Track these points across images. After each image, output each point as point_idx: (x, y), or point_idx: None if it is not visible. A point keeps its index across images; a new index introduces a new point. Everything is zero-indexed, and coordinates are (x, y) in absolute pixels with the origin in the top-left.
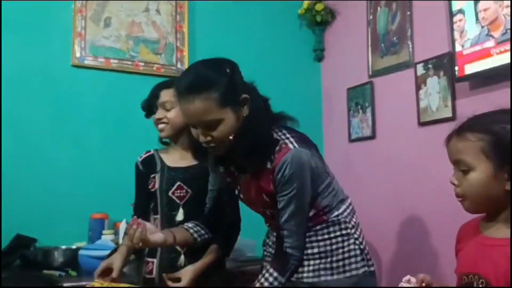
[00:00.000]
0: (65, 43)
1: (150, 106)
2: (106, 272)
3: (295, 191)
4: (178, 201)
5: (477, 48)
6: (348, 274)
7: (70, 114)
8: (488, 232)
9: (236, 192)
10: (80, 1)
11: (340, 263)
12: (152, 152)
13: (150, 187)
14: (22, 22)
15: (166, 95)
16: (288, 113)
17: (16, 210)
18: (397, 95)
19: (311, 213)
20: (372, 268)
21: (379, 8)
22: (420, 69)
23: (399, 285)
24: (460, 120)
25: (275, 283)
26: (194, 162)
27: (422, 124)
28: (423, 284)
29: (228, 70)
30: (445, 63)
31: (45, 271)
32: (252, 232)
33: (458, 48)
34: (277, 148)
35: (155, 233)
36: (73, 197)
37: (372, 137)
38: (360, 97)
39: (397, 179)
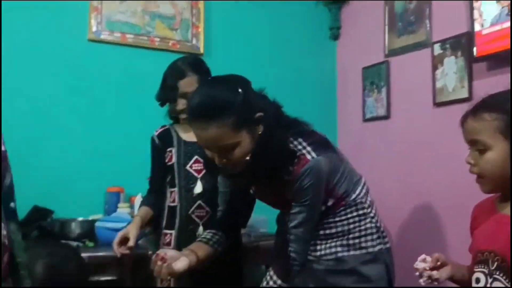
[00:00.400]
0: (81, 18)
1: (168, 98)
2: (123, 242)
3: (309, 201)
4: (196, 174)
5: (496, 28)
6: (364, 251)
7: (86, 88)
8: (505, 210)
9: (251, 191)
10: None
11: (357, 241)
12: (167, 126)
13: (166, 161)
14: None
15: (186, 85)
16: (303, 92)
17: (33, 182)
18: (413, 75)
19: (330, 203)
20: (388, 245)
21: None
22: (437, 49)
23: (415, 265)
24: (476, 100)
25: (274, 286)
26: None
27: (437, 104)
28: (438, 263)
29: (240, 90)
30: (463, 43)
31: (62, 242)
32: (265, 209)
33: (477, 27)
34: (296, 160)
35: (179, 260)
36: (89, 170)
37: (387, 117)
38: (376, 77)
39: (411, 160)
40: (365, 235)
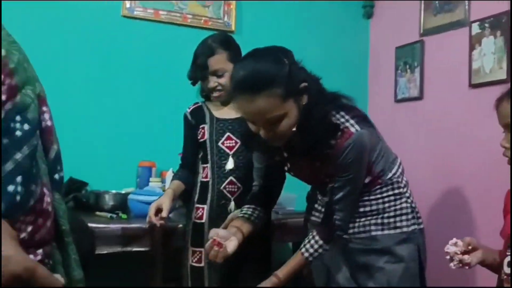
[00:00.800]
0: None
1: (199, 77)
2: (157, 212)
3: (353, 175)
4: (228, 151)
5: None
6: (398, 230)
7: (120, 64)
8: None
9: (286, 168)
10: None
11: (391, 220)
12: (200, 103)
13: (199, 137)
14: None
15: (216, 63)
16: (334, 71)
17: (69, 155)
18: (448, 55)
19: (367, 180)
20: (421, 226)
21: None
22: (475, 28)
23: (446, 248)
24: None
25: (320, 250)
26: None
27: (473, 86)
28: (470, 247)
29: (286, 60)
30: (503, 23)
31: (97, 213)
32: (293, 187)
33: None
34: (339, 133)
35: (230, 241)
36: (122, 145)
37: (419, 97)
38: (409, 56)
39: (443, 142)
40: (400, 215)
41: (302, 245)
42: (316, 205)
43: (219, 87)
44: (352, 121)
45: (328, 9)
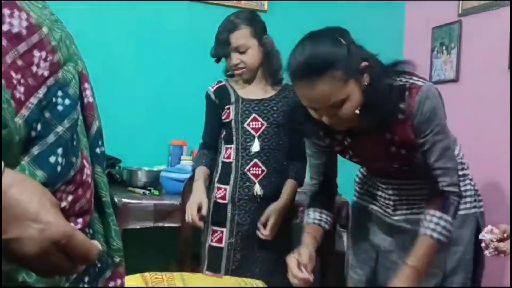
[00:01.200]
0: None
1: (221, 53)
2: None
3: (439, 126)
4: (253, 132)
5: None
6: (462, 212)
7: (153, 43)
8: None
9: (347, 157)
10: None
11: None
12: (223, 82)
13: (223, 118)
14: None
15: (238, 39)
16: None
17: (104, 132)
18: (487, 36)
19: None
20: (482, 209)
21: None
22: None
23: (481, 236)
24: None
25: (442, 223)
26: (268, 95)
27: None
28: (505, 235)
29: (343, 41)
30: None
31: (130, 189)
32: None
33: None
34: (406, 93)
35: (310, 257)
36: (154, 123)
37: (456, 80)
38: (446, 37)
39: (480, 127)
40: (464, 197)
41: (422, 229)
42: (373, 190)
43: (241, 64)
44: (415, 78)
45: None
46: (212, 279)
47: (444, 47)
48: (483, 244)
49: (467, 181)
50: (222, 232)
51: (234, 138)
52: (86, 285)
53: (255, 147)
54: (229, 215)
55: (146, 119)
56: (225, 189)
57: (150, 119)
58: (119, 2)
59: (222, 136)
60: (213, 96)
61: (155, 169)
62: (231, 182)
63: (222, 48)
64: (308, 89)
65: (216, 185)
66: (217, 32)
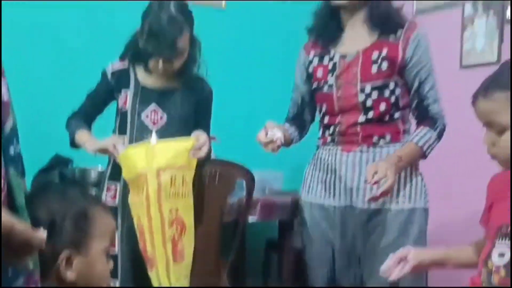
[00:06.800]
0: None
1: (166, 55)
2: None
3: (431, 64)
4: (151, 125)
5: None
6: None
7: (106, 30)
8: None
9: (329, 84)
10: None
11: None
12: (126, 64)
13: (119, 105)
14: None
15: (181, 43)
16: None
17: (54, 132)
18: (439, 35)
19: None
20: (427, 205)
21: None
22: (468, 9)
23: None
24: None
25: (428, 135)
26: (172, 85)
27: (464, 67)
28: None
29: None
30: (495, 2)
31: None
32: (281, 165)
33: None
34: (406, 24)
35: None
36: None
37: None
38: None
39: None
40: (415, 192)
41: (411, 138)
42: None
43: (171, 68)
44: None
45: None
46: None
47: None
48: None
49: (419, 177)
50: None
51: (128, 129)
52: None
53: (153, 141)
54: (119, 221)
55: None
56: (116, 187)
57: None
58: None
59: (116, 125)
60: (109, 76)
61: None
62: (122, 179)
63: (169, 51)
64: None
65: (107, 182)
66: (155, 25)
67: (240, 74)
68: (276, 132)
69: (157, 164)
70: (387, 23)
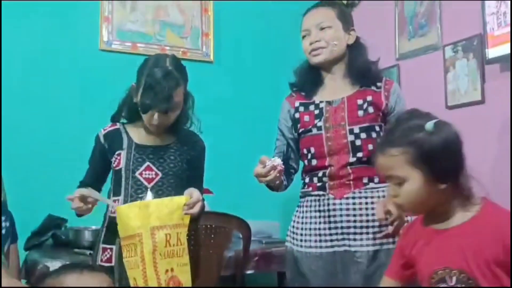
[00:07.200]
0: (92, 28)
1: (163, 109)
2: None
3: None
4: (145, 183)
5: (508, 29)
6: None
7: (98, 97)
8: (438, 225)
9: (317, 126)
10: None
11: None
12: (118, 125)
13: (114, 165)
14: (52, 7)
15: (177, 96)
16: None
17: (48, 192)
18: (424, 78)
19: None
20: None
21: None
22: (448, 52)
23: None
24: (489, 103)
25: None
26: (165, 142)
27: (450, 107)
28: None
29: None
30: (475, 45)
31: (75, 250)
32: (277, 214)
33: (489, 29)
34: (383, 79)
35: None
36: None
37: None
38: None
39: None
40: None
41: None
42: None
43: (165, 122)
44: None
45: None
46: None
47: None
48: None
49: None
50: None
51: (122, 188)
52: None
53: (148, 199)
54: (116, 282)
55: None
56: (111, 250)
57: None
58: (60, 58)
59: (111, 186)
60: (102, 139)
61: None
62: (117, 241)
63: (165, 104)
64: (313, 12)
65: (101, 245)
66: (152, 79)
67: (232, 125)
68: (275, 159)
69: (151, 223)
70: (366, 77)
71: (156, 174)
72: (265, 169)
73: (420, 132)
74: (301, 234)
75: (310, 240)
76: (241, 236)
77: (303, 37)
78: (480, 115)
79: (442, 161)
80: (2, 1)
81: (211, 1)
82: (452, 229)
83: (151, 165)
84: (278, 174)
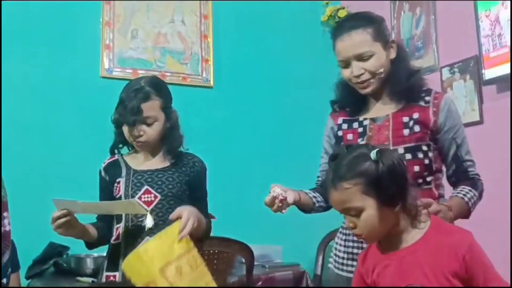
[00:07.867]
0: (94, 55)
1: (130, 121)
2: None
3: (463, 128)
4: (145, 206)
5: (505, 50)
6: None
7: (99, 125)
8: (394, 247)
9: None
10: (108, 14)
11: None
12: (116, 157)
13: (115, 193)
14: (53, 35)
15: (149, 109)
16: (301, 124)
17: (48, 220)
18: None
19: None
20: None
21: (402, 13)
22: (445, 73)
23: None
24: (487, 124)
25: (470, 193)
26: (162, 165)
27: None
28: None
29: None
30: (471, 67)
31: (78, 278)
32: (279, 238)
33: (484, 51)
34: (433, 92)
35: (288, 193)
36: None
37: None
38: None
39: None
40: None
41: (455, 194)
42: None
43: (144, 137)
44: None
45: (303, 60)
46: None
47: None
48: None
49: None
50: None
51: (123, 214)
52: None
53: (148, 223)
54: None
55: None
56: (115, 277)
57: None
58: (65, 83)
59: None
60: (103, 173)
61: (104, 254)
62: (121, 267)
63: (133, 115)
64: (347, 39)
65: (105, 273)
66: (124, 95)
67: (231, 150)
68: (275, 189)
69: (157, 265)
70: (411, 92)
71: (155, 197)
72: (267, 200)
73: (367, 162)
74: (342, 258)
75: (352, 265)
76: (243, 260)
77: (341, 66)
78: (479, 136)
79: (391, 185)
80: (3, 29)
81: (210, 28)
82: (408, 248)
83: (149, 188)
84: (280, 204)
